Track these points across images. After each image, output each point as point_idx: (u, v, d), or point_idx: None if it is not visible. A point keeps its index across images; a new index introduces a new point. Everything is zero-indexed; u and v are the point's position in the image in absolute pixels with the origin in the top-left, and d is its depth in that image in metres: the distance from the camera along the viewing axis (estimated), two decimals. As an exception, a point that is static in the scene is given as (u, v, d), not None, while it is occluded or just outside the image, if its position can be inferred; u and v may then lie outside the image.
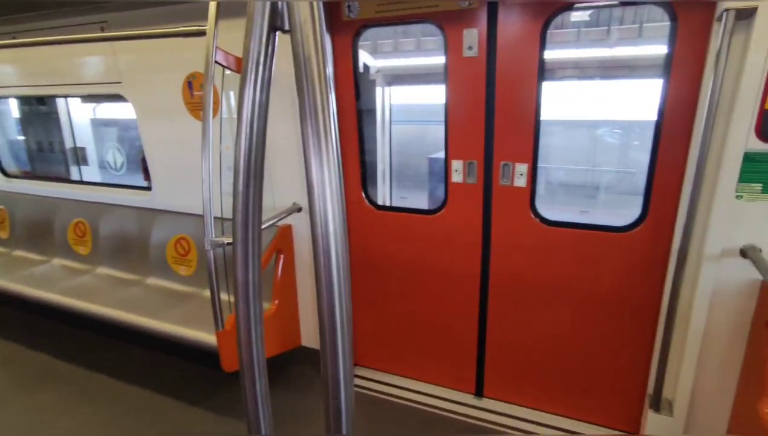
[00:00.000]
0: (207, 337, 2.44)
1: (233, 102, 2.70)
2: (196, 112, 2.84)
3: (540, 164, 2.27)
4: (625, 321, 2.27)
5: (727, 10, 1.61)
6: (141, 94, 3.04)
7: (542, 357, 2.52)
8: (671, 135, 1.97)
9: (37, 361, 3.20)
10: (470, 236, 2.49)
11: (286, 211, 2.63)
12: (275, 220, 2.51)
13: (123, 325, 2.72)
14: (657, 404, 2.09)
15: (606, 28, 4.12)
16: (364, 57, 2.96)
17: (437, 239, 2.58)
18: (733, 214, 1.79)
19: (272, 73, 0.56)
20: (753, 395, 1.73)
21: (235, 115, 2.88)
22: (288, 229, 2.76)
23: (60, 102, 4.37)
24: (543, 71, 2.12)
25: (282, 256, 2.72)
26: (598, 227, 2.23)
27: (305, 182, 0.53)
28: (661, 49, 1.95)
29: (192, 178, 2.96)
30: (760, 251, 1.77)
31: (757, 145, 1.70)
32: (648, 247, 2.13)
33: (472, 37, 2.20)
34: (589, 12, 3.84)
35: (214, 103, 2.53)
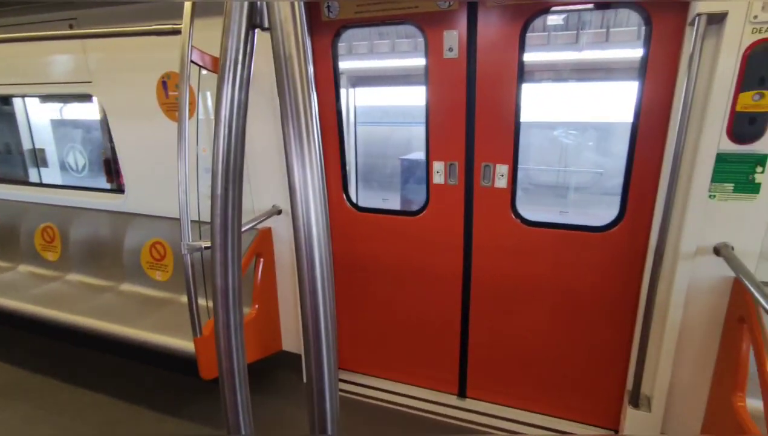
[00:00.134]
0: (184, 344, 2.38)
1: (210, 102, 2.64)
2: (171, 112, 2.77)
3: (520, 165, 2.29)
4: (604, 319, 2.31)
5: (699, 14, 1.65)
6: (113, 95, 2.94)
7: (524, 356, 2.54)
8: (647, 137, 2.01)
9: (1, 373, 3.06)
10: (452, 237, 2.50)
11: (266, 214, 2.58)
12: (254, 223, 2.46)
13: (95, 333, 2.62)
14: (636, 400, 2.13)
15: (575, 32, 4.21)
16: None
17: (419, 240, 2.57)
18: (706, 214, 1.84)
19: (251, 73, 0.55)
20: (727, 389, 1.78)
21: (212, 117, 2.83)
22: (267, 232, 2.71)
23: (17, 102, 4.19)
24: (523, 73, 2.14)
25: (261, 259, 2.67)
26: (577, 227, 2.26)
27: (285, 184, 0.52)
28: (635, 53, 1.99)
29: (167, 181, 2.89)
30: (732, 248, 1.83)
31: (729, 146, 1.75)
32: (626, 246, 2.17)
33: (453, 39, 2.20)
34: (563, 16, 3.91)
35: (190, 103, 2.47)
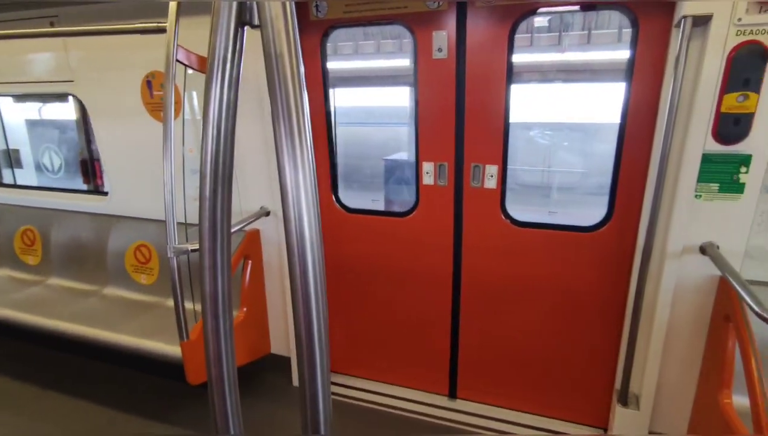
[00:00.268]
0: (171, 348, 2.33)
1: (196, 102, 2.60)
2: (156, 112, 2.71)
3: (509, 166, 2.30)
4: (593, 318, 2.32)
5: (685, 16, 1.68)
6: (96, 94, 2.88)
7: (514, 356, 2.55)
8: (634, 137, 2.03)
9: (-19, 380, 2.97)
10: (442, 238, 2.49)
11: (254, 216, 2.55)
12: (243, 224, 2.43)
13: (79, 339, 2.55)
14: (624, 399, 2.15)
15: (557, 33, 4.26)
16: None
17: (409, 241, 2.57)
18: (692, 213, 1.87)
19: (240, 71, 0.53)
20: (714, 387, 1.81)
21: (197, 117, 2.78)
22: (256, 233, 2.68)
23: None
24: (512, 74, 2.15)
25: (250, 262, 2.63)
26: (566, 227, 2.28)
27: (273, 185, 0.50)
28: (622, 55, 2.01)
29: (152, 182, 2.83)
30: (718, 247, 1.85)
31: (714, 147, 1.78)
32: (614, 246, 2.19)
33: (442, 39, 2.20)
34: (549, 17, 3.94)
35: (176, 103, 2.42)
